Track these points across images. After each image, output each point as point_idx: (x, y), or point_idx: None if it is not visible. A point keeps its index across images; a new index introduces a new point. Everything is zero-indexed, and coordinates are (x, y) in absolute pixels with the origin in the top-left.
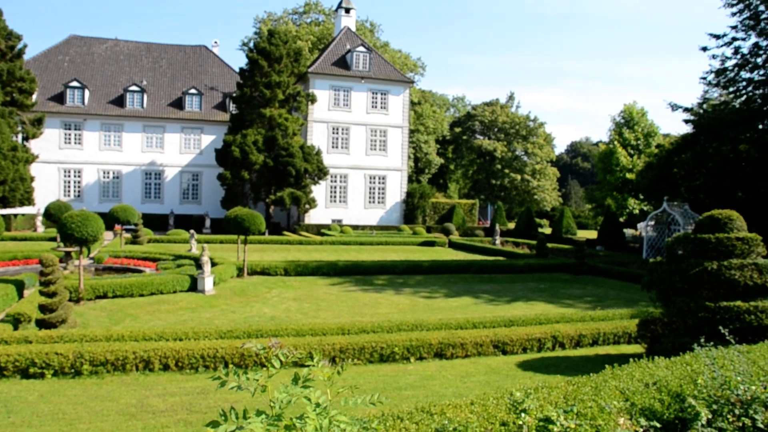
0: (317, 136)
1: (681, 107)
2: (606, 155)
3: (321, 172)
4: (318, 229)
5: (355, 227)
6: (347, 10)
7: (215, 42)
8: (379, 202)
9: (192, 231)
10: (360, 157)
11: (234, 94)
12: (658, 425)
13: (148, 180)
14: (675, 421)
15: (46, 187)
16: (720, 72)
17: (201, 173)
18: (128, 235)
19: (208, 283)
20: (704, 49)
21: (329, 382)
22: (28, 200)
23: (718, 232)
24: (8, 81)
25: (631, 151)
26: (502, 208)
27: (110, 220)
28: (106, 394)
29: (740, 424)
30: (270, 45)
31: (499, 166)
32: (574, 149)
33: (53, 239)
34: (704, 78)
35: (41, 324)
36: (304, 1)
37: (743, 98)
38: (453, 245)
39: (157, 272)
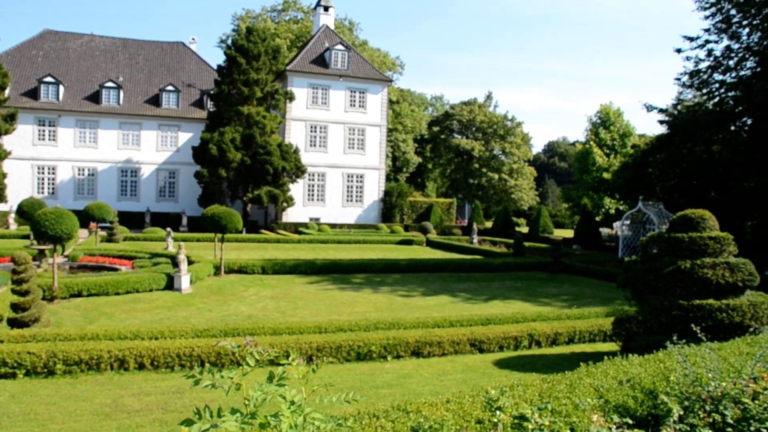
0: (295, 135)
1: (656, 108)
2: (582, 155)
3: (299, 171)
4: (296, 228)
5: (333, 226)
6: (326, 8)
7: (193, 38)
8: (357, 201)
9: (169, 229)
10: (338, 155)
11: (212, 92)
12: (631, 422)
13: (124, 177)
14: (648, 417)
15: (19, 184)
16: (694, 74)
17: (178, 171)
18: (104, 233)
19: (184, 281)
20: (678, 51)
21: (304, 380)
22: (0, 197)
23: (691, 231)
24: None
25: (607, 151)
26: (480, 207)
27: (85, 217)
28: (80, 393)
29: (711, 420)
30: (248, 42)
31: (476, 165)
32: (551, 149)
33: (26, 237)
34: (678, 79)
35: (13, 323)
36: None
37: (716, 100)
38: (431, 244)
39: (133, 270)
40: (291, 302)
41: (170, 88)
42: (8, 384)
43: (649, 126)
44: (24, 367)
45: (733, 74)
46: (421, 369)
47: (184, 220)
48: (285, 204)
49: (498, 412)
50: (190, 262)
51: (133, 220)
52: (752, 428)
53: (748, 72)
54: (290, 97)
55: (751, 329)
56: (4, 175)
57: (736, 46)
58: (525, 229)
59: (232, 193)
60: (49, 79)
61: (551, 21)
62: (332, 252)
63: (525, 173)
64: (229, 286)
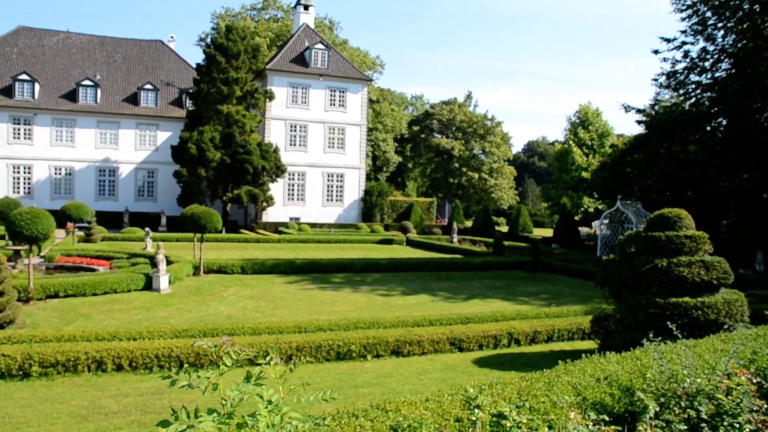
0: (275, 134)
1: (634, 108)
2: (562, 154)
3: (279, 170)
4: (276, 227)
5: (313, 225)
6: (306, 7)
7: (171, 37)
8: (337, 200)
9: (147, 229)
10: (318, 154)
11: (191, 90)
12: (608, 418)
13: (102, 177)
14: (625, 414)
15: None
16: (671, 75)
17: (157, 170)
18: (81, 233)
19: (163, 281)
20: (656, 52)
21: (282, 379)
22: None
23: (668, 230)
24: None
25: (586, 151)
26: (460, 206)
27: (62, 217)
28: (57, 396)
29: (686, 416)
30: (228, 41)
31: (456, 165)
32: (530, 148)
33: (1, 237)
34: (656, 80)
35: None
36: None
37: (692, 100)
38: (411, 243)
39: (111, 271)
40: (270, 302)
41: (149, 86)
42: None
43: (627, 126)
44: None
45: (709, 75)
46: (400, 368)
47: (163, 220)
48: (265, 204)
49: (476, 411)
50: (168, 262)
51: (111, 220)
52: (725, 423)
53: (723, 73)
54: (270, 96)
55: (726, 326)
56: None
57: (712, 47)
58: (505, 229)
59: (211, 192)
60: (24, 76)
61: (531, 21)
62: (312, 251)
63: (505, 173)
64: (208, 286)
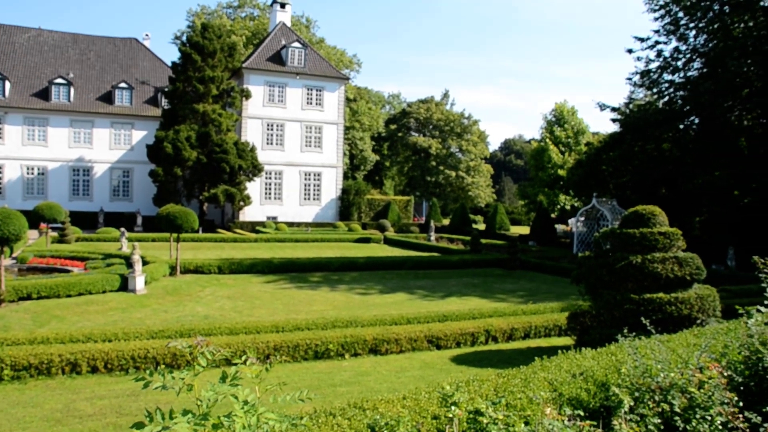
0: (252, 133)
1: (609, 107)
2: (538, 153)
3: (255, 169)
4: (253, 227)
5: (290, 224)
6: (282, 5)
7: (146, 35)
8: (314, 199)
9: (123, 229)
10: (295, 153)
11: (166, 89)
12: (583, 414)
13: (76, 177)
14: (600, 409)
15: None
16: (644, 74)
17: (132, 170)
18: (55, 234)
19: (139, 282)
20: (630, 51)
21: (258, 379)
22: None
23: (642, 227)
24: None
25: (562, 149)
26: (437, 204)
27: (35, 218)
28: (29, 399)
29: (660, 410)
30: (204, 39)
31: (434, 163)
32: (507, 146)
33: None
34: (630, 79)
35: None
36: None
37: (666, 99)
38: (388, 242)
39: (86, 272)
40: (248, 302)
41: (123, 85)
42: None
43: (602, 124)
44: None
45: (682, 75)
46: (378, 366)
47: (139, 220)
48: (242, 203)
49: (453, 408)
50: (144, 263)
51: (85, 221)
52: (698, 416)
53: (695, 73)
54: (246, 95)
55: (699, 321)
56: None
57: (684, 47)
58: (482, 226)
59: (188, 192)
60: None
61: (507, 20)
62: (290, 251)
63: (482, 171)
64: (185, 287)
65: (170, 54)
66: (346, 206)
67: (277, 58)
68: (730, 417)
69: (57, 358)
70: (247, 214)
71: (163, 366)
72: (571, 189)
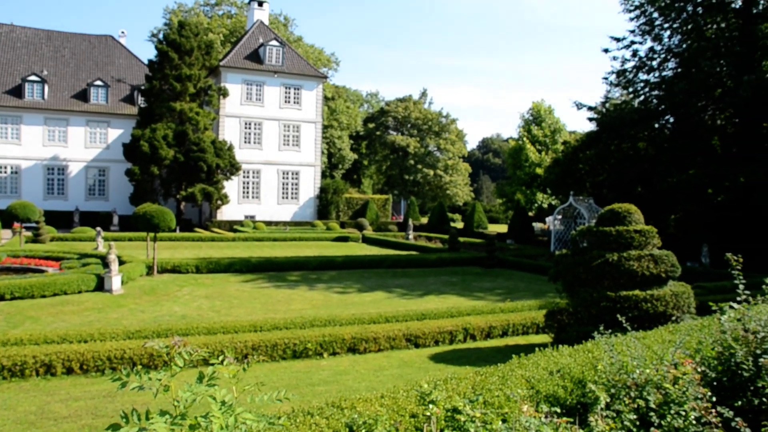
0: (229, 131)
1: (585, 106)
2: (516, 151)
3: (233, 168)
4: (230, 226)
5: (268, 223)
6: (260, 3)
7: (122, 32)
8: (292, 198)
9: (98, 228)
10: (273, 152)
11: (143, 87)
12: (560, 410)
13: (50, 175)
14: (577, 405)
15: None
16: (620, 73)
17: (108, 168)
18: (29, 234)
19: (115, 282)
20: (606, 50)
21: (235, 379)
22: None
23: (618, 225)
24: None
25: (539, 148)
26: (415, 203)
27: (8, 217)
28: (2, 402)
29: (635, 406)
30: (180, 37)
31: (412, 162)
32: (485, 145)
33: None
34: (606, 78)
35: None
36: None
37: (641, 98)
38: (367, 240)
39: (61, 272)
40: (226, 301)
41: (99, 82)
42: None
43: (579, 123)
44: None
45: (657, 74)
46: (357, 365)
47: (116, 219)
48: (219, 202)
49: (431, 406)
50: (121, 262)
51: (60, 220)
52: (672, 411)
53: (670, 72)
54: (224, 93)
55: (674, 318)
56: None
57: (659, 47)
58: (460, 225)
59: (165, 191)
60: None
61: (486, 19)
62: (268, 250)
63: (460, 169)
64: (162, 286)
65: (147, 52)
66: (324, 205)
67: (255, 57)
68: (703, 412)
69: (31, 360)
70: (225, 213)
71: (140, 367)
72: (549, 187)
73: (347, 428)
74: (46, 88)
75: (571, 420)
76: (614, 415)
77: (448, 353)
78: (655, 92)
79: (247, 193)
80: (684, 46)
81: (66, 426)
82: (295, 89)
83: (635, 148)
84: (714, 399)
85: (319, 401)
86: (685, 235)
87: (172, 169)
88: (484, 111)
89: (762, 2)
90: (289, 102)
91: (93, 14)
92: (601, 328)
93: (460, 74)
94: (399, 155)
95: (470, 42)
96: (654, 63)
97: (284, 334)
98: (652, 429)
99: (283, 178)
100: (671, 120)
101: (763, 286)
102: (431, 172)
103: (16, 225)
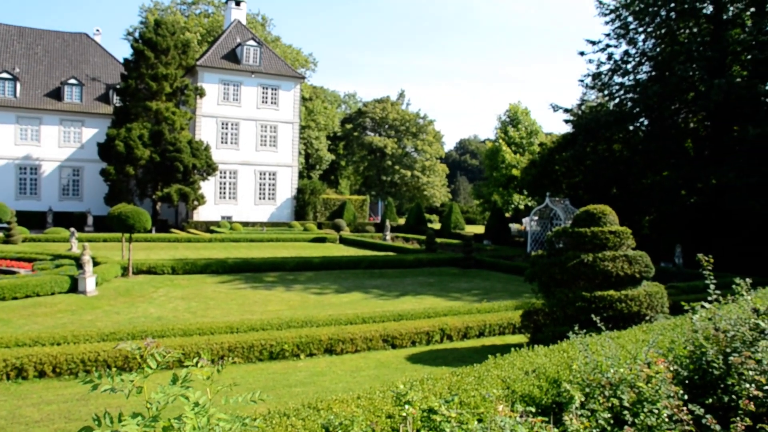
0: (206, 131)
1: (562, 108)
2: (492, 152)
3: (210, 168)
4: (207, 227)
5: (245, 224)
6: (237, 3)
7: (97, 30)
8: (269, 199)
9: (72, 229)
10: (250, 152)
11: (118, 86)
12: (535, 410)
13: (22, 175)
14: (552, 405)
15: None
16: (596, 76)
17: (82, 168)
18: (0, 234)
19: (89, 283)
20: (582, 53)
21: (209, 381)
22: None
23: (593, 226)
24: None
25: (516, 149)
26: (393, 204)
27: None
28: None
29: (609, 405)
30: (157, 36)
31: (389, 163)
32: (462, 146)
33: None
34: (582, 81)
35: None
36: None
37: (616, 101)
38: (344, 241)
39: (33, 273)
40: (202, 302)
41: (73, 81)
42: None
43: (555, 125)
44: None
45: (631, 77)
46: (334, 366)
47: (90, 220)
48: (196, 202)
49: (407, 406)
50: (95, 264)
51: (33, 220)
52: (645, 409)
53: (644, 76)
54: (201, 93)
55: (648, 317)
56: None
57: (633, 51)
58: (437, 226)
59: (140, 191)
60: None
61: (463, 21)
62: (245, 251)
63: (437, 170)
64: (137, 288)
65: (122, 50)
66: (301, 206)
67: (232, 56)
68: (675, 410)
69: (2, 363)
70: (202, 214)
71: (114, 369)
72: (525, 189)
73: (323, 429)
74: (18, 85)
75: (546, 419)
76: (589, 414)
77: (425, 354)
78: (630, 95)
79: (224, 193)
80: (658, 50)
81: (38, 430)
82: (272, 89)
83: (611, 150)
84: (686, 397)
85: (296, 402)
86: (660, 236)
87: (148, 169)
88: (461, 112)
89: (731, 9)
90: (266, 102)
91: (67, 11)
92: (576, 328)
93: (437, 75)
94: (376, 156)
95: (448, 43)
96: (629, 66)
97: (261, 335)
98: (625, 427)
99: (260, 178)
100: (645, 122)
101: (733, 286)
102: (409, 173)
103: None
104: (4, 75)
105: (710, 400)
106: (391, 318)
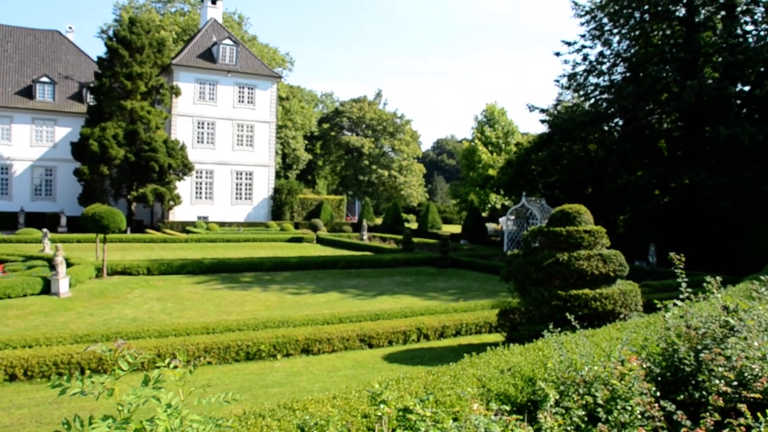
0: (182, 131)
1: (538, 108)
2: (469, 152)
3: (186, 168)
4: (183, 227)
5: (221, 224)
6: (213, 1)
7: (70, 27)
8: (246, 199)
9: (45, 230)
10: (226, 152)
11: (92, 85)
12: (510, 408)
13: None
14: (528, 403)
15: None
16: (571, 76)
17: (55, 168)
18: None
19: (63, 284)
20: (558, 54)
21: (182, 381)
22: None
23: (568, 225)
24: None
25: (492, 149)
26: (370, 203)
27: None
28: None
29: (584, 402)
30: (131, 34)
31: (366, 162)
32: (439, 146)
33: None
34: (558, 81)
35: None
36: None
37: (591, 101)
38: (321, 241)
39: (4, 275)
40: (178, 303)
41: (45, 79)
42: None
43: (531, 125)
44: None
45: (606, 78)
46: (311, 366)
47: (63, 220)
48: (172, 202)
49: (382, 406)
50: (69, 265)
51: (4, 221)
52: (619, 406)
53: (619, 77)
54: (176, 92)
55: (622, 316)
56: None
57: (608, 52)
58: (414, 225)
59: (115, 191)
60: None
61: (441, 21)
62: (221, 251)
63: (414, 170)
64: (112, 289)
65: (96, 48)
66: (278, 206)
67: (208, 55)
68: (647, 407)
69: None
70: (178, 214)
71: (88, 371)
72: (502, 188)
73: (299, 430)
74: None
75: (521, 417)
76: (563, 411)
77: (402, 353)
78: (605, 96)
79: (200, 193)
80: (632, 51)
81: None
82: (248, 89)
83: (586, 150)
84: (658, 393)
85: (272, 403)
86: (634, 235)
87: (123, 169)
88: (438, 112)
89: (703, 12)
90: (242, 102)
91: (38, 8)
92: (552, 326)
93: (415, 75)
94: (353, 156)
95: (425, 43)
96: (604, 67)
97: (237, 335)
98: (599, 424)
99: (237, 178)
100: (620, 123)
101: (704, 284)
102: (386, 173)
103: None
104: None
105: (681, 397)
106: (368, 318)
